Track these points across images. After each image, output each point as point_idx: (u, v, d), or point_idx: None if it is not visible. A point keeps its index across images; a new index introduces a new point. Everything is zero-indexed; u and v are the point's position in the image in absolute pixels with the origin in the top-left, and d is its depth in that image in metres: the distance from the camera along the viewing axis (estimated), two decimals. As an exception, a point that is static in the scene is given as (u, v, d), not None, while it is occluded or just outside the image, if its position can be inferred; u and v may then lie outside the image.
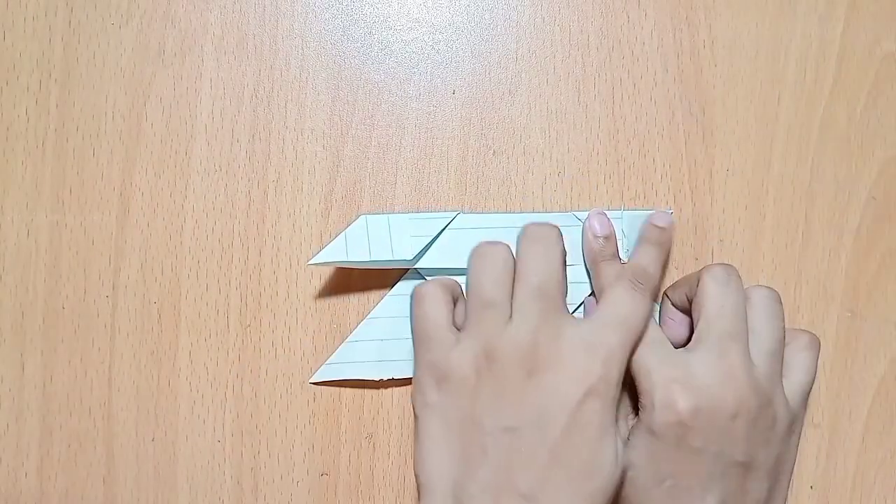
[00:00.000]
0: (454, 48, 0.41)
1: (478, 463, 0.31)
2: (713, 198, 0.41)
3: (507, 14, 0.41)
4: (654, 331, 0.34)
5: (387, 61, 0.41)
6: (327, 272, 0.40)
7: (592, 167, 0.41)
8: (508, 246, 0.35)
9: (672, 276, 0.40)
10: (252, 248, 0.40)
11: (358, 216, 0.39)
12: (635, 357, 0.34)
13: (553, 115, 0.41)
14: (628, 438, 0.34)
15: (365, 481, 0.39)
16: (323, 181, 0.40)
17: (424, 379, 0.34)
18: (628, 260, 0.38)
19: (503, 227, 0.39)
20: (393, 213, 0.39)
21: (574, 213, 0.40)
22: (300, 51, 0.41)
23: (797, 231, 0.41)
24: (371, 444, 0.39)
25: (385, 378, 0.39)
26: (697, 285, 0.35)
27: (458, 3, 0.42)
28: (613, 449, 0.31)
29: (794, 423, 0.35)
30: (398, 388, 0.39)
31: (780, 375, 0.35)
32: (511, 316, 0.33)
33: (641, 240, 0.38)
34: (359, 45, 0.41)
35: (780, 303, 0.36)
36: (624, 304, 0.34)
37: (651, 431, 0.33)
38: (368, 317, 0.39)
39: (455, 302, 0.36)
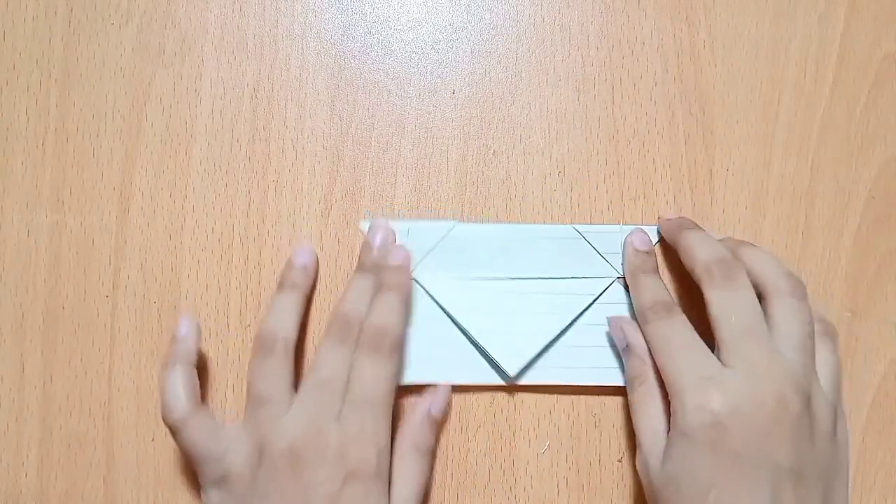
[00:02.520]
0: (454, 48, 0.41)
1: None
2: (713, 198, 0.41)
3: (507, 14, 0.41)
4: (689, 336, 0.34)
5: (387, 61, 0.41)
6: (325, 273, 0.40)
7: (592, 167, 0.41)
8: (286, 339, 0.36)
9: (668, 279, 0.40)
10: (252, 248, 0.40)
11: (360, 222, 0.39)
12: (666, 360, 0.33)
13: (553, 115, 0.41)
14: (665, 451, 0.33)
15: (365, 481, 0.39)
16: (323, 181, 0.40)
17: (205, 486, 0.35)
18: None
19: (499, 239, 0.39)
20: (393, 219, 0.39)
21: (574, 225, 0.40)
22: (300, 51, 0.41)
23: (797, 231, 0.41)
24: (371, 444, 0.39)
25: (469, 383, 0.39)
26: (698, 283, 0.35)
27: (458, 3, 0.42)
28: None
29: (838, 419, 0.34)
30: (398, 389, 0.39)
31: (815, 369, 0.34)
32: (290, 408, 0.34)
33: (382, 287, 0.37)
34: (359, 45, 0.41)
35: (803, 291, 0.35)
36: (369, 375, 0.34)
37: (686, 435, 0.31)
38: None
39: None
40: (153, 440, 0.39)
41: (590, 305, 0.39)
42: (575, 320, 0.39)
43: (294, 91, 0.41)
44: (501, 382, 0.39)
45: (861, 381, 0.40)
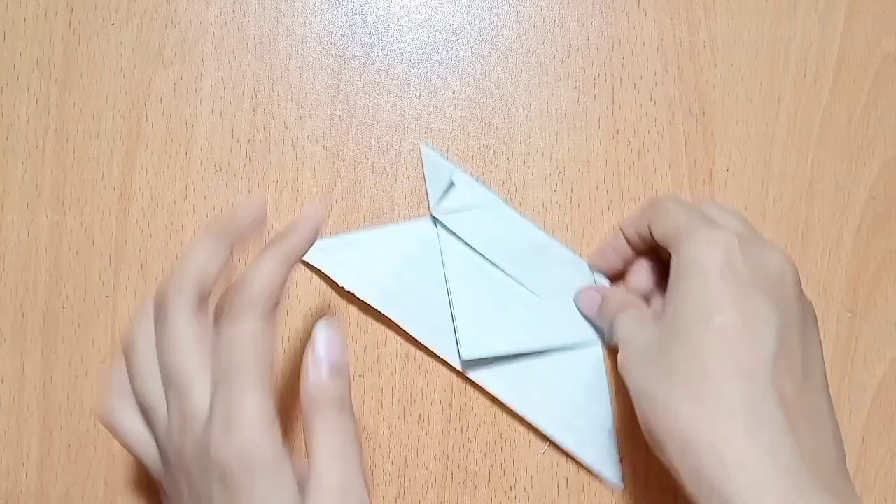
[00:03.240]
0: (454, 48, 0.41)
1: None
2: (713, 198, 0.41)
3: (507, 14, 0.41)
4: (676, 202, 0.34)
5: (387, 61, 0.41)
6: (326, 274, 0.40)
7: (592, 167, 0.41)
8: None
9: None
10: (252, 248, 0.40)
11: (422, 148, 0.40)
12: (674, 216, 0.33)
13: (553, 115, 0.41)
14: (669, 287, 0.32)
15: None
16: (323, 181, 0.40)
17: None
18: None
19: (527, 238, 0.39)
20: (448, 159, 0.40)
21: (594, 272, 0.39)
22: (300, 51, 0.41)
23: (797, 231, 0.41)
24: (371, 444, 0.39)
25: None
26: (653, 224, 0.35)
27: (458, 3, 0.42)
28: None
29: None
30: (398, 389, 0.39)
31: None
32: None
33: (263, 250, 0.30)
34: (359, 45, 0.41)
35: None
36: (237, 357, 0.28)
37: (693, 261, 0.30)
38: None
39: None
40: (153, 440, 0.39)
41: (568, 348, 0.39)
42: (548, 353, 0.39)
43: (294, 91, 0.41)
44: (451, 362, 0.39)
45: (861, 381, 0.40)
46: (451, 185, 0.39)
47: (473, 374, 0.39)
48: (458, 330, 0.38)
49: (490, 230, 0.39)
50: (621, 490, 0.39)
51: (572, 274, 0.39)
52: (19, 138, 0.40)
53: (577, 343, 0.39)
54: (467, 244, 0.39)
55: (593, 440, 0.38)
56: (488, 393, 0.39)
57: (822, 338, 0.40)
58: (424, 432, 0.39)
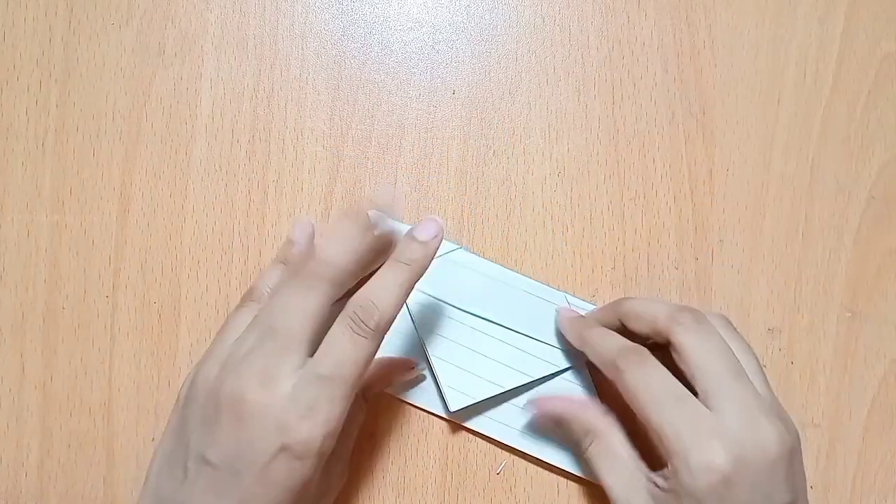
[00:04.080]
0: (454, 48, 0.41)
1: (179, 482, 0.31)
2: (713, 198, 0.41)
3: (507, 14, 0.41)
4: (673, 385, 0.32)
5: (387, 61, 0.41)
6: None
7: (592, 167, 0.41)
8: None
9: (672, 276, 0.40)
10: (252, 248, 0.40)
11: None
12: (654, 414, 0.32)
13: (553, 115, 0.41)
14: (648, 491, 0.33)
15: (365, 481, 0.39)
16: (323, 181, 0.40)
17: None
18: None
19: (493, 279, 0.39)
20: (397, 222, 0.39)
21: (567, 294, 0.39)
22: (300, 51, 0.41)
23: (797, 231, 0.41)
24: (371, 444, 0.39)
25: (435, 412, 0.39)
26: (666, 333, 0.34)
27: (458, 3, 0.42)
28: None
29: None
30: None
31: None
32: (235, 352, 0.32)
33: (390, 257, 0.33)
34: (359, 45, 0.41)
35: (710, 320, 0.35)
36: (341, 350, 0.31)
37: (692, 496, 0.31)
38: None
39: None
40: (153, 440, 0.39)
41: (552, 376, 0.38)
42: (532, 384, 0.38)
43: (294, 91, 0.41)
44: (443, 414, 0.39)
45: (861, 381, 0.40)
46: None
47: (467, 422, 0.38)
48: (441, 383, 0.38)
49: (450, 276, 0.39)
50: None
51: (542, 301, 0.39)
52: (19, 138, 0.40)
53: (562, 367, 0.38)
54: (430, 295, 0.39)
55: None
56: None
57: (822, 338, 0.40)
58: (424, 432, 0.39)
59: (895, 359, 0.40)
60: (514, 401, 0.38)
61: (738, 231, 0.40)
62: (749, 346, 0.35)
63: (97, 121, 0.40)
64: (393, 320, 0.32)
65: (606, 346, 0.35)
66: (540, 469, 0.39)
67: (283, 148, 0.40)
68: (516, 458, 0.39)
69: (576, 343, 0.37)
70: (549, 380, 0.38)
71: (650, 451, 0.34)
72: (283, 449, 0.30)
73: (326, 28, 0.41)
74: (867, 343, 0.40)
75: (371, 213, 0.33)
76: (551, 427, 0.38)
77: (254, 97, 0.40)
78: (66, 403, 0.39)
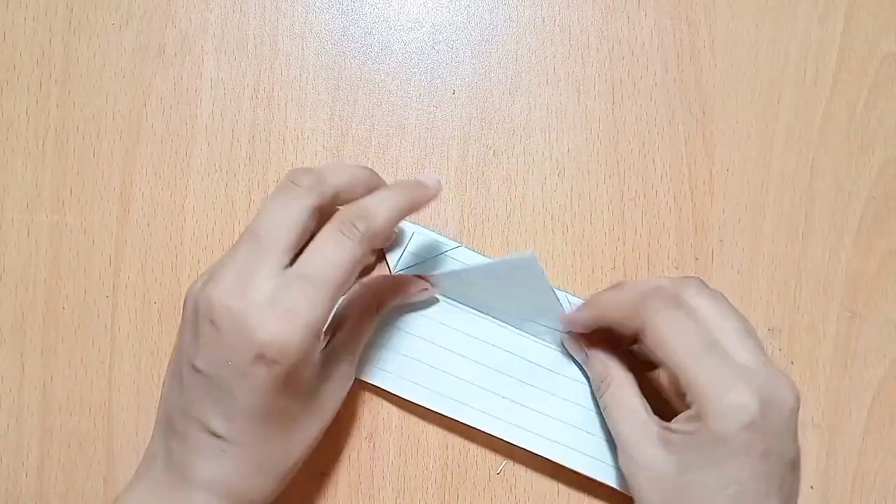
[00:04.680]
0: (454, 48, 0.41)
1: (178, 391, 0.32)
2: (713, 198, 0.41)
3: (507, 14, 0.41)
4: (701, 331, 0.32)
5: (387, 61, 0.41)
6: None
7: (592, 167, 0.41)
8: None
9: (672, 275, 0.40)
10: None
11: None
12: (686, 357, 0.32)
13: (553, 115, 0.41)
14: (686, 447, 0.32)
15: (365, 481, 0.39)
16: (323, 181, 0.40)
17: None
18: None
19: (488, 273, 0.38)
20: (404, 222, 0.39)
21: (568, 294, 0.39)
22: (300, 51, 0.41)
23: (797, 231, 0.41)
24: (371, 444, 0.39)
25: (435, 410, 0.38)
26: (642, 323, 0.33)
27: (458, 3, 0.42)
28: (282, 408, 0.31)
29: None
30: (398, 388, 0.39)
31: None
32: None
33: (391, 185, 0.35)
34: (359, 45, 0.41)
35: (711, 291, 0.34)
36: (325, 252, 0.31)
37: (720, 438, 0.31)
38: (414, 334, 0.38)
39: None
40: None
41: (551, 370, 0.39)
42: (534, 383, 0.38)
43: (294, 91, 0.41)
44: (443, 412, 0.38)
45: (861, 381, 0.40)
46: (407, 241, 0.39)
47: (465, 420, 0.38)
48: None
49: (450, 275, 0.39)
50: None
51: (547, 299, 0.38)
52: (19, 138, 0.40)
53: (558, 366, 0.39)
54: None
55: (599, 454, 0.38)
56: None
57: (822, 338, 0.40)
58: (424, 432, 0.39)
59: (895, 359, 0.40)
60: (506, 393, 0.38)
61: (738, 231, 0.40)
62: (731, 308, 0.34)
63: (97, 121, 0.40)
64: (382, 236, 0.32)
65: (631, 294, 0.34)
66: (540, 469, 0.39)
67: (283, 148, 0.40)
68: (516, 458, 0.39)
69: (590, 319, 0.36)
70: (552, 379, 0.38)
71: (661, 405, 0.35)
72: (261, 353, 0.30)
73: (326, 28, 0.41)
74: (867, 343, 0.40)
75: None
76: (580, 355, 0.38)
77: (254, 97, 0.40)
78: (66, 403, 0.39)
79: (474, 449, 0.39)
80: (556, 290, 0.39)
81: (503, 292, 0.38)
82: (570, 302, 0.39)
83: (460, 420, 0.38)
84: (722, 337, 0.33)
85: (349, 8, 0.41)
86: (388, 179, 0.40)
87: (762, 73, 0.41)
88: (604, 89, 0.41)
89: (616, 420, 0.35)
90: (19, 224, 0.40)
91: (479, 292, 0.38)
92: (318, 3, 0.41)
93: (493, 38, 0.41)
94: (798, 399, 0.32)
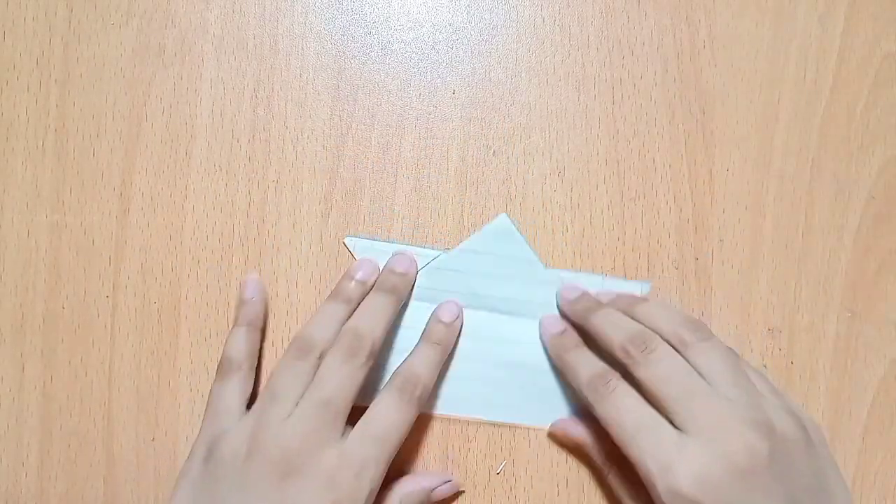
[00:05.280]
0: (454, 48, 0.41)
1: None
2: (713, 198, 0.41)
3: (507, 14, 0.41)
4: (641, 413, 0.33)
5: (387, 61, 0.41)
6: (325, 274, 0.40)
7: (592, 167, 0.41)
8: (322, 350, 0.35)
9: (672, 276, 0.40)
10: (252, 248, 0.40)
11: (346, 237, 0.40)
12: (627, 444, 0.33)
13: (553, 115, 0.41)
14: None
15: (365, 481, 0.39)
16: (323, 181, 0.40)
17: (198, 450, 0.34)
18: None
19: (477, 252, 0.39)
20: (382, 240, 0.40)
21: (560, 270, 0.40)
22: (300, 51, 0.41)
23: (797, 231, 0.41)
24: (371, 444, 0.39)
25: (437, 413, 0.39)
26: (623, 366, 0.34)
27: (458, 3, 0.42)
28: None
29: (793, 412, 0.34)
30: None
31: (756, 391, 0.34)
32: (291, 413, 0.33)
33: (423, 338, 0.38)
34: (359, 45, 0.41)
35: (706, 330, 0.35)
36: (388, 415, 0.34)
37: (735, 469, 0.31)
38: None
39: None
40: (153, 440, 0.39)
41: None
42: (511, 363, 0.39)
43: (294, 91, 0.41)
44: (441, 412, 0.39)
45: (861, 381, 0.40)
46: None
47: (463, 413, 0.39)
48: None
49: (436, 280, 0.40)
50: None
51: (545, 285, 0.39)
52: (19, 138, 0.40)
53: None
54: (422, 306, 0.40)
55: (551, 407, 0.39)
56: (488, 393, 0.39)
57: (822, 338, 0.40)
58: (424, 432, 0.39)
59: (895, 359, 0.40)
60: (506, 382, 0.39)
61: (738, 231, 0.40)
62: (718, 345, 0.35)
63: (97, 121, 0.40)
64: (380, 346, 0.36)
65: (580, 374, 0.36)
66: (540, 469, 0.39)
67: (283, 148, 0.40)
68: (516, 458, 0.39)
69: (557, 363, 0.38)
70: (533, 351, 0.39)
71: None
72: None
73: (326, 28, 0.41)
74: (867, 343, 0.40)
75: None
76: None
77: (254, 97, 0.40)
78: (66, 403, 0.39)
79: (474, 449, 0.39)
80: (546, 267, 0.39)
81: (491, 273, 0.39)
82: (561, 278, 0.39)
83: (459, 416, 0.38)
84: (667, 409, 0.33)
85: (349, 8, 0.41)
86: (389, 179, 0.40)
87: (762, 73, 0.41)
88: (604, 89, 0.41)
89: (627, 498, 0.36)
90: (19, 224, 0.40)
91: (469, 281, 0.39)
92: (318, 3, 0.41)
93: (493, 38, 0.41)
94: (757, 451, 0.31)
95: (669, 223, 0.40)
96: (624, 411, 0.33)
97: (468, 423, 0.39)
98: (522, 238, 0.39)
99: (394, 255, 0.39)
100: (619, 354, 0.35)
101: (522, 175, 0.41)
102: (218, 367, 0.37)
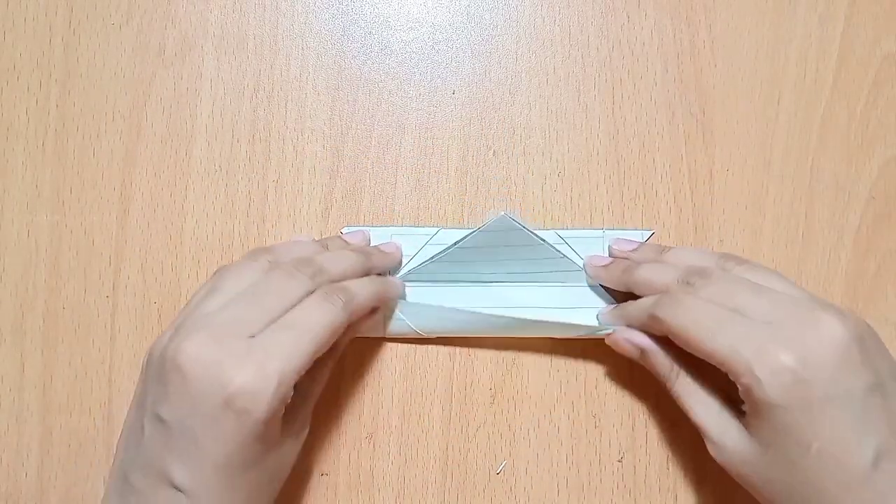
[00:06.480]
0: (454, 48, 0.41)
1: (137, 445, 0.31)
2: (713, 198, 0.41)
3: (507, 14, 0.41)
4: (716, 308, 0.32)
5: (387, 61, 0.41)
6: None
7: (592, 167, 0.41)
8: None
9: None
10: (252, 248, 0.40)
11: (344, 228, 0.40)
12: (712, 343, 0.31)
13: (553, 115, 0.41)
14: (750, 426, 0.32)
15: (365, 481, 0.39)
16: (323, 181, 0.40)
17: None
18: None
19: (479, 247, 0.39)
20: (374, 226, 0.40)
21: (557, 230, 0.40)
22: (300, 51, 0.41)
23: (797, 231, 0.41)
24: (371, 444, 0.39)
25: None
26: (660, 325, 0.34)
27: (458, 3, 0.42)
28: (249, 460, 0.30)
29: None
30: (398, 389, 0.39)
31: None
32: (223, 306, 0.32)
33: (376, 275, 0.38)
34: (359, 45, 0.41)
35: (735, 257, 0.36)
36: (311, 312, 0.32)
37: (771, 404, 0.30)
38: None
39: None
40: (153, 440, 0.39)
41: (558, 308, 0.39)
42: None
43: (294, 91, 0.41)
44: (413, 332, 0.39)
45: (861, 381, 0.40)
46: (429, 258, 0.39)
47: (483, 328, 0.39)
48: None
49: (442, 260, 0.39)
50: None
51: (539, 247, 0.39)
52: (19, 138, 0.40)
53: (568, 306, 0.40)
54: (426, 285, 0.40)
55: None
56: (488, 393, 0.39)
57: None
58: (424, 432, 0.39)
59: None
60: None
61: (738, 231, 0.40)
62: (761, 266, 0.35)
63: (97, 121, 0.40)
64: (362, 313, 0.34)
65: (636, 309, 0.36)
66: (540, 469, 0.39)
67: (283, 148, 0.40)
68: (516, 458, 0.39)
69: (620, 289, 0.38)
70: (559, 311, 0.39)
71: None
72: (230, 400, 0.29)
73: (326, 28, 0.41)
74: (867, 343, 0.40)
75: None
76: (635, 353, 0.37)
77: (254, 97, 0.40)
78: (66, 403, 0.39)
79: (474, 449, 0.39)
80: (540, 233, 0.39)
81: (500, 258, 0.39)
82: (560, 237, 0.40)
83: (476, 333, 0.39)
84: (736, 302, 0.32)
85: (349, 8, 0.41)
86: (389, 179, 0.40)
87: (762, 73, 0.41)
88: (604, 89, 0.41)
89: (694, 410, 0.35)
90: (19, 224, 0.40)
91: (477, 265, 0.39)
92: (318, 3, 0.41)
93: (493, 38, 0.41)
94: (848, 327, 0.30)
95: (669, 223, 0.40)
96: (696, 310, 0.33)
97: (468, 423, 0.39)
98: (524, 226, 0.39)
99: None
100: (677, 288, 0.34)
101: (522, 175, 0.41)
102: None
